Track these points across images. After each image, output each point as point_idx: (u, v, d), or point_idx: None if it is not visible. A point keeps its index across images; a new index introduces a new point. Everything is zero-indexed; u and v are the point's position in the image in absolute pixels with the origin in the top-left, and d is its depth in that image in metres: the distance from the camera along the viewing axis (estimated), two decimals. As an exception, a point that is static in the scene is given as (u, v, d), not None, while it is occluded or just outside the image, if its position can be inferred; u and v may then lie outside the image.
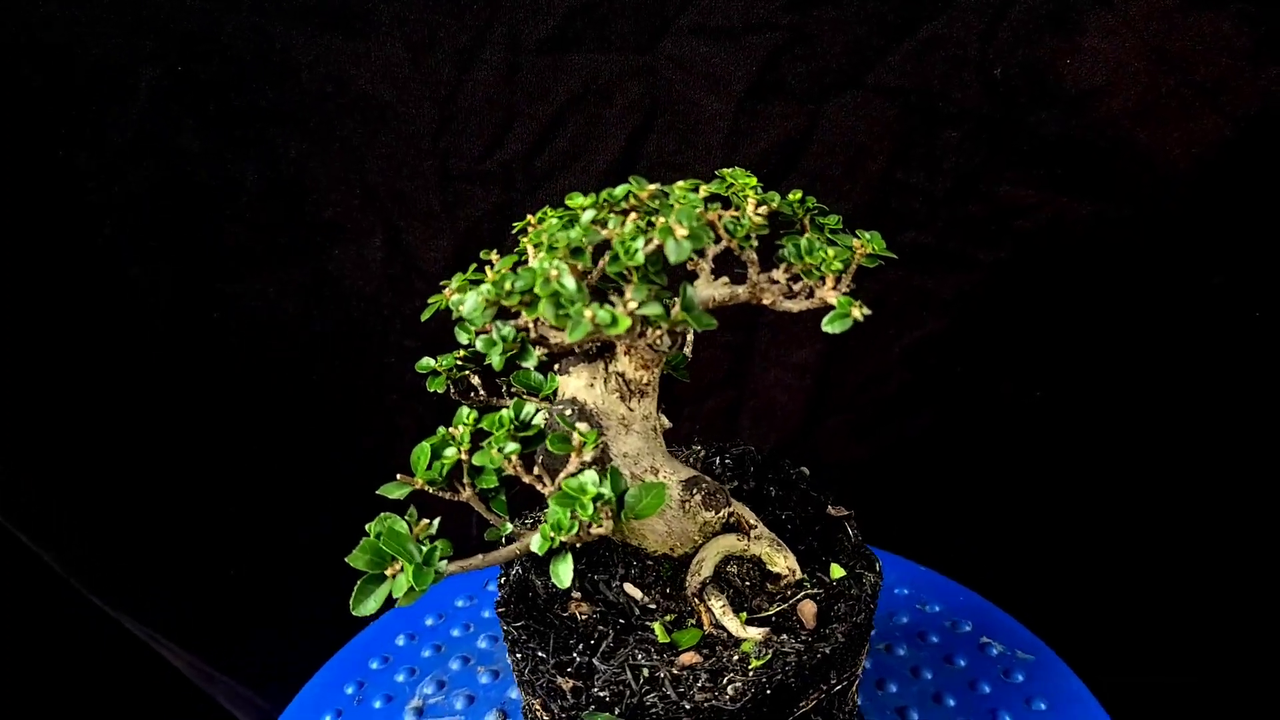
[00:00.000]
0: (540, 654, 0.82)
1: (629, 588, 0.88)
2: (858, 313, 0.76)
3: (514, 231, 0.83)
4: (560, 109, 1.46)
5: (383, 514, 0.73)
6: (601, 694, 0.78)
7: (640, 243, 0.70)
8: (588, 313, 0.69)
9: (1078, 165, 1.44)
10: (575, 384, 0.83)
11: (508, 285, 0.71)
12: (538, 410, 0.81)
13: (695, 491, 0.85)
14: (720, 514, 0.87)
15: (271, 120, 1.47)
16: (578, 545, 0.76)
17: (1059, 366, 1.61)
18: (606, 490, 0.74)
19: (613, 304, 0.71)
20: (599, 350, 0.84)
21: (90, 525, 1.67)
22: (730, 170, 0.83)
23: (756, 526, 0.89)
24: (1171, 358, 1.56)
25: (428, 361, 0.86)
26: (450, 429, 0.78)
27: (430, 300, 0.82)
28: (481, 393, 0.87)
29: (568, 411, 0.80)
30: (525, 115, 1.47)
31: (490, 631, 1.29)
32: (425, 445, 0.77)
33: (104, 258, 1.52)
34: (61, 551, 1.65)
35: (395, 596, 0.70)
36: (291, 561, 1.76)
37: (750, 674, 0.77)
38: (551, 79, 1.44)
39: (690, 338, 0.90)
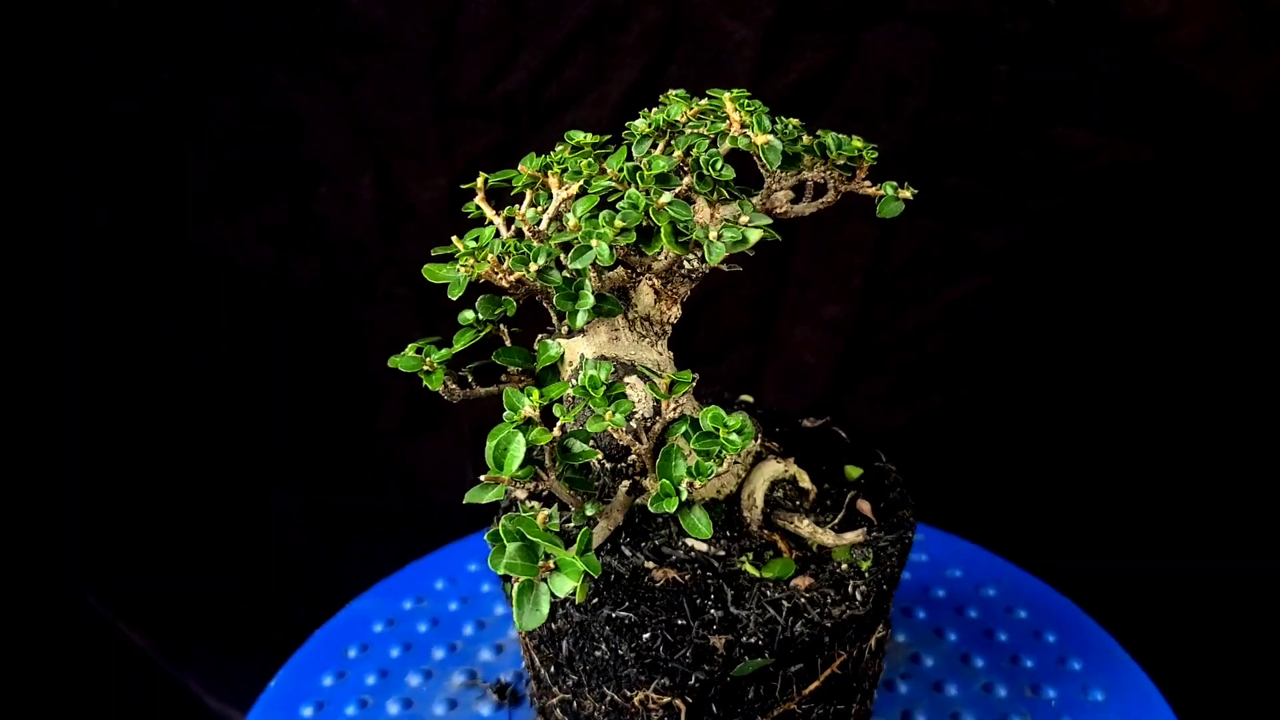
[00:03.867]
0: (680, 622, 0.82)
1: (692, 542, 0.89)
2: (907, 192, 0.79)
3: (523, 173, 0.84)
4: (570, 35, 1.42)
5: (508, 514, 0.70)
6: (753, 640, 0.81)
7: (720, 159, 0.75)
8: (713, 234, 0.73)
9: (1138, 104, 1.39)
10: (594, 343, 0.84)
11: (618, 223, 0.73)
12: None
13: None
14: (757, 441, 0.91)
15: (249, 45, 1.43)
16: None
17: (1114, 330, 1.56)
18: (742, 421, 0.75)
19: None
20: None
21: (54, 497, 1.65)
22: (712, 93, 0.85)
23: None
24: (1239, 321, 1.52)
25: (412, 359, 0.80)
26: (516, 414, 0.74)
27: (455, 269, 0.78)
28: (454, 385, 0.82)
29: (612, 369, 0.81)
30: (532, 42, 1.43)
31: (477, 609, 1.28)
32: (515, 436, 0.72)
33: (61, 201, 1.49)
34: (24, 525, 1.62)
35: (560, 596, 0.67)
36: (269, 532, 1.74)
37: (868, 575, 0.86)
38: (561, 1, 1.40)
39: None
